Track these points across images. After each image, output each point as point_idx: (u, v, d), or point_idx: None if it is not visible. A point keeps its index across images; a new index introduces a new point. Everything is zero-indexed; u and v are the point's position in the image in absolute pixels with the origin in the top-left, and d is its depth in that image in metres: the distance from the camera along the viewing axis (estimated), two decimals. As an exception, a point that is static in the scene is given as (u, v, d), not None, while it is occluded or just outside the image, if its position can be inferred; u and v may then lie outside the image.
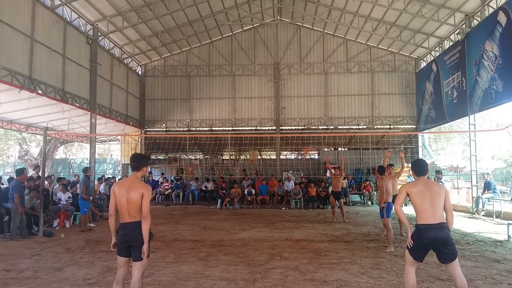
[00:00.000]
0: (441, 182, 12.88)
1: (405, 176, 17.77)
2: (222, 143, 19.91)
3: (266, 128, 20.18)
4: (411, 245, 4.07)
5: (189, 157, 21.14)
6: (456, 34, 15.08)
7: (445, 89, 16.00)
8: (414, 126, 19.41)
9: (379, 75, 19.74)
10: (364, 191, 17.33)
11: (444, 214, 4.14)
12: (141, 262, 4.01)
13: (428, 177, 4.37)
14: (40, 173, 11.14)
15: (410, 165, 18.83)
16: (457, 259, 4.04)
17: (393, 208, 8.05)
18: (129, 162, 4.52)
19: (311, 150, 20.67)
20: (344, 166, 12.74)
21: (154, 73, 20.50)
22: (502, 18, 11.54)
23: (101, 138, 22.92)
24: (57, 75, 12.65)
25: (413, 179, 4.49)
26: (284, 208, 15.99)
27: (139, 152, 20.22)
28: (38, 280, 5.39)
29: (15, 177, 9.31)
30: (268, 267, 6.04)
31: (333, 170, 13.25)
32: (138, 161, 4.26)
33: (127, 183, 4.18)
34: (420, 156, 19.33)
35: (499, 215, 11.92)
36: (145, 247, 3.96)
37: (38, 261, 6.57)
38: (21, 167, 11.32)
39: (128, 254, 4.14)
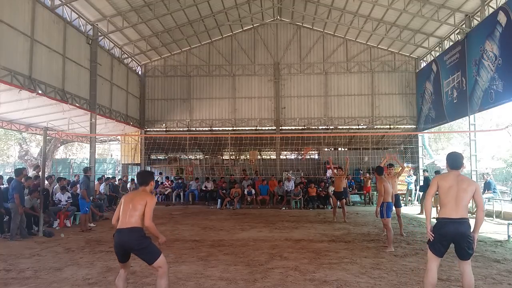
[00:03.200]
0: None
1: (405, 175, 17.78)
2: (222, 143, 19.92)
3: (266, 128, 20.18)
4: (432, 239, 4.10)
5: (189, 157, 21.14)
6: (456, 34, 15.07)
7: (445, 89, 16.00)
8: (414, 126, 19.41)
9: (379, 75, 19.74)
10: (365, 192, 17.34)
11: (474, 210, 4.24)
12: (157, 263, 4.05)
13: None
14: (40, 173, 11.15)
15: (409, 164, 18.83)
16: (470, 258, 4.10)
17: (393, 208, 8.08)
18: (135, 178, 4.63)
19: (311, 150, 20.67)
20: (347, 166, 12.72)
21: (154, 73, 20.50)
22: (502, 18, 11.53)
23: (101, 138, 22.93)
24: (57, 75, 12.64)
25: (445, 172, 4.49)
26: (284, 208, 15.99)
27: (139, 152, 20.25)
28: (38, 280, 5.39)
29: (14, 177, 9.31)
30: (268, 267, 6.04)
31: (335, 170, 13.27)
32: (145, 177, 4.44)
33: (134, 193, 4.33)
34: (420, 156, 19.34)
35: (499, 215, 11.93)
36: (161, 240, 4.24)
37: (38, 261, 6.57)
38: (20, 167, 11.30)
39: (125, 259, 4.18)
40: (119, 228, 4.09)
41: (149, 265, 4.14)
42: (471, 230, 4.06)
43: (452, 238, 4.03)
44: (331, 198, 16.26)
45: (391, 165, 9.41)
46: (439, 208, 4.22)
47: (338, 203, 12.31)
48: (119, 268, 4.29)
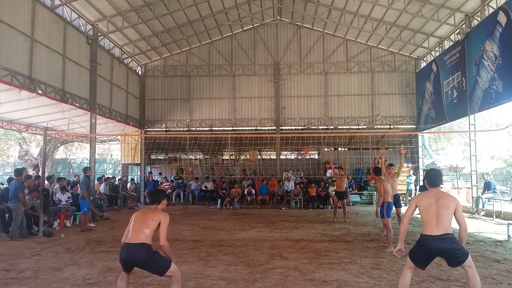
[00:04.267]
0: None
1: (405, 175, 17.79)
2: (222, 143, 19.91)
3: (266, 128, 20.17)
4: (415, 253, 4.14)
5: (189, 157, 21.14)
6: (456, 34, 15.07)
7: (445, 89, 16.00)
8: (414, 126, 19.41)
9: (379, 75, 19.74)
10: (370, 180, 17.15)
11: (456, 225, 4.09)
12: (169, 272, 4.08)
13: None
14: (40, 173, 11.15)
15: (409, 164, 18.78)
16: (469, 258, 3.99)
17: (393, 208, 8.06)
18: (147, 196, 4.68)
19: (311, 150, 20.66)
20: (346, 166, 12.73)
21: (154, 73, 20.49)
22: (502, 18, 11.54)
23: (101, 138, 22.92)
24: (57, 75, 12.64)
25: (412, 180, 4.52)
26: (284, 208, 16.00)
27: (139, 152, 20.25)
28: (38, 280, 5.39)
29: (14, 177, 9.30)
30: (268, 267, 6.04)
31: (336, 170, 13.27)
32: (156, 196, 4.46)
33: (147, 210, 4.29)
34: (420, 156, 19.33)
35: (499, 215, 11.93)
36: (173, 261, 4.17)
37: (38, 261, 6.57)
38: (20, 167, 11.30)
39: (130, 270, 4.18)
40: (128, 243, 4.01)
41: (160, 276, 4.14)
42: (456, 242, 3.97)
43: (437, 254, 4.02)
44: (331, 198, 16.31)
45: (391, 165, 9.40)
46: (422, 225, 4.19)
47: (339, 203, 12.32)
48: (122, 270, 4.27)
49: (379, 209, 7.56)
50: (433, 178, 4.23)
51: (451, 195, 4.36)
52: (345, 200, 12.57)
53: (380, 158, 10.06)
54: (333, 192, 16.11)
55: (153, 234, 4.06)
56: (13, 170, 14.58)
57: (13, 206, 8.77)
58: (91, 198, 11.70)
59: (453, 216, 4.03)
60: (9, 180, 10.42)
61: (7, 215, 9.45)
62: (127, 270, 4.16)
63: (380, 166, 8.46)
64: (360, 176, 19.31)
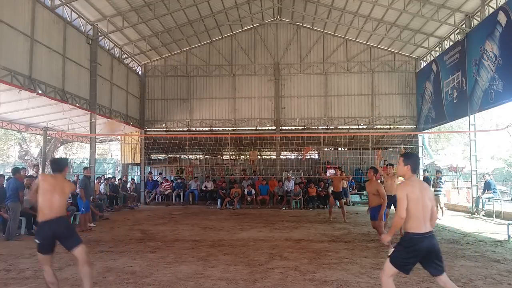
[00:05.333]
0: (441, 182, 12.91)
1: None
2: (222, 143, 19.91)
3: (266, 128, 20.17)
4: (400, 257, 3.69)
5: (189, 157, 21.14)
6: (456, 34, 15.08)
7: (445, 89, 16.00)
8: (414, 126, 19.41)
9: (379, 75, 19.74)
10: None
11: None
12: (80, 245, 4.25)
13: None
14: (39, 173, 11.15)
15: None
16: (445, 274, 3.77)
17: (389, 210, 7.95)
18: (51, 164, 4.78)
19: (311, 150, 20.67)
20: (341, 169, 12.73)
21: (154, 73, 20.49)
22: (502, 18, 11.54)
23: (101, 138, 22.92)
24: (57, 75, 12.64)
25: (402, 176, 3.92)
26: (284, 208, 16.00)
27: (139, 152, 20.25)
28: (38, 280, 5.40)
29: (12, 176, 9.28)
30: (268, 267, 6.04)
31: (332, 171, 13.28)
32: (60, 164, 4.63)
33: (54, 181, 4.41)
34: (420, 156, 19.32)
35: (499, 215, 11.93)
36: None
37: (38, 261, 6.56)
38: (17, 166, 11.26)
39: (51, 251, 4.37)
40: (47, 220, 4.24)
41: (72, 249, 4.32)
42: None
43: (425, 254, 3.62)
44: (347, 198, 16.32)
45: (390, 165, 9.38)
46: (406, 221, 3.69)
47: (338, 203, 12.33)
48: (44, 266, 4.39)
49: (383, 212, 7.44)
50: (419, 161, 3.81)
51: (428, 186, 3.91)
52: (342, 200, 12.55)
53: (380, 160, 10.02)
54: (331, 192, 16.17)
55: (65, 204, 4.32)
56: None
57: (12, 205, 8.71)
58: (91, 198, 11.68)
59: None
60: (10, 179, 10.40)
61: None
62: (48, 250, 4.33)
63: (377, 168, 8.38)
64: (360, 176, 19.30)
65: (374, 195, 7.61)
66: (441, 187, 12.76)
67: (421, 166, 18.90)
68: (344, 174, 17.81)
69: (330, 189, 16.62)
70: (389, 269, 3.74)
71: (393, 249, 7.29)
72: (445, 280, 3.75)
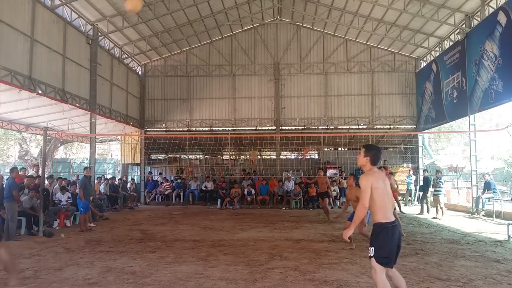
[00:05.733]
0: (441, 182, 12.92)
1: (405, 175, 17.80)
2: (222, 143, 19.91)
3: (266, 128, 20.17)
4: (384, 251, 3.57)
5: (189, 157, 21.14)
6: (456, 34, 15.07)
7: (445, 89, 16.00)
8: (414, 126, 19.40)
9: (379, 75, 19.73)
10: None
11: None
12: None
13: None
14: (39, 172, 11.15)
15: (409, 165, 18.56)
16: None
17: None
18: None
19: (311, 150, 20.67)
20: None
21: (154, 73, 20.49)
22: (502, 18, 11.54)
23: (101, 138, 22.93)
24: (57, 75, 12.64)
25: (369, 170, 3.77)
26: (284, 208, 16.00)
27: (139, 152, 20.26)
28: (38, 280, 5.39)
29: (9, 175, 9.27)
30: (268, 267, 6.04)
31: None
32: None
33: None
34: (420, 156, 19.34)
35: (499, 215, 11.93)
36: None
37: (38, 261, 6.57)
38: (14, 166, 11.26)
39: None
40: None
41: None
42: None
43: (398, 244, 3.62)
44: (331, 198, 16.29)
45: (383, 167, 9.42)
46: (374, 212, 3.62)
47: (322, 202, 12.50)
48: None
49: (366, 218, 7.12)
50: (380, 154, 3.73)
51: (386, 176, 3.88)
52: (327, 199, 12.83)
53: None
54: (334, 193, 16.18)
55: None
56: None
57: (7, 205, 8.67)
58: (91, 198, 11.68)
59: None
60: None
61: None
62: None
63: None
64: (360, 176, 19.28)
65: (356, 202, 7.25)
66: (441, 187, 12.75)
67: (421, 166, 18.92)
68: (343, 174, 17.85)
69: (330, 189, 16.64)
70: (378, 268, 3.64)
71: (355, 245, 7.25)
72: (395, 271, 3.79)
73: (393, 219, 3.55)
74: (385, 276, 3.65)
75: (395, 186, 15.01)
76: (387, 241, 3.49)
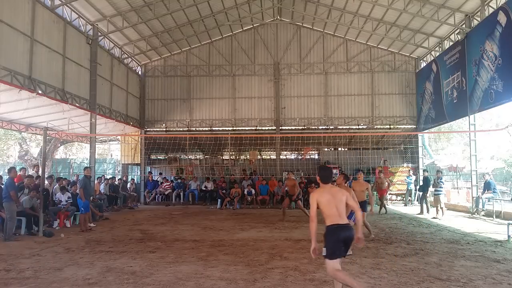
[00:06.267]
0: (441, 182, 12.93)
1: (405, 175, 17.80)
2: (222, 143, 19.91)
3: (266, 128, 20.17)
4: (331, 248, 4.25)
5: (189, 157, 21.14)
6: (456, 34, 15.07)
7: (445, 89, 16.00)
8: (414, 126, 19.40)
9: (379, 75, 19.74)
10: (380, 195, 15.01)
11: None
12: None
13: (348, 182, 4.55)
14: (39, 172, 11.14)
15: (409, 165, 18.42)
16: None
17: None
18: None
19: (311, 150, 20.66)
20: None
21: (154, 73, 20.49)
22: (502, 18, 11.54)
23: (101, 138, 22.92)
24: (57, 75, 12.64)
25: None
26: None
27: (139, 152, 20.26)
28: (38, 280, 5.39)
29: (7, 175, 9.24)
30: (268, 267, 6.04)
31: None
32: None
33: None
34: (420, 156, 19.34)
35: (499, 215, 11.93)
36: None
37: (38, 261, 6.57)
38: (12, 166, 11.24)
39: None
40: None
41: None
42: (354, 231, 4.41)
43: (343, 241, 4.30)
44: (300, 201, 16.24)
45: (358, 170, 9.55)
46: (324, 219, 4.38)
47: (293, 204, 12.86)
48: None
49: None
50: (325, 176, 4.53)
51: (340, 189, 4.87)
52: (299, 201, 13.03)
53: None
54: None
55: None
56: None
57: (6, 205, 8.65)
58: (91, 198, 11.68)
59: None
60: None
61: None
62: None
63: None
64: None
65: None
66: (442, 187, 12.77)
67: (421, 166, 18.92)
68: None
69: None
70: (331, 264, 4.27)
71: (373, 236, 7.37)
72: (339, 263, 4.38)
73: (339, 222, 4.29)
74: (340, 270, 4.30)
75: (385, 183, 15.06)
76: (330, 239, 4.30)
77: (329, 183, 4.56)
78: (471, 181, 14.19)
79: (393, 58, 19.72)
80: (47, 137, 12.78)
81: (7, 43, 10.15)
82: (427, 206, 13.77)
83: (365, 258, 6.68)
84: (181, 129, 20.31)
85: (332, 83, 19.87)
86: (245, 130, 19.84)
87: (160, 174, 19.96)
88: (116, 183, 16.71)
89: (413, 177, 17.56)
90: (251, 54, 20.18)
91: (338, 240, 4.28)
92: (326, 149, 20.80)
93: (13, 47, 10.42)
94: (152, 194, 18.46)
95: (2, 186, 9.93)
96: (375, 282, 5.25)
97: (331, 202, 4.37)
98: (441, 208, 12.41)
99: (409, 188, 17.35)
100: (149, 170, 20.51)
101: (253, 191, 16.81)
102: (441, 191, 12.65)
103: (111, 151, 32.45)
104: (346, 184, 7.58)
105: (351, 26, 18.01)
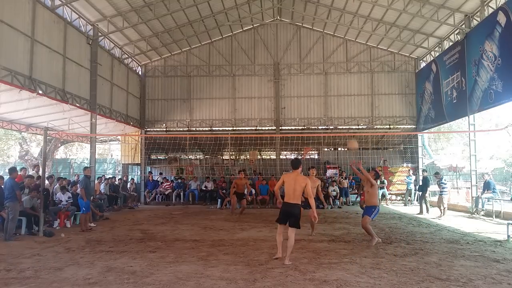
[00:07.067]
0: (443, 182, 12.94)
1: (405, 175, 17.82)
2: (222, 143, 19.92)
3: (266, 128, 20.18)
4: (279, 215, 6.52)
5: (189, 157, 21.15)
6: (456, 34, 15.09)
7: (444, 89, 16.02)
8: (413, 126, 19.41)
9: (379, 75, 19.75)
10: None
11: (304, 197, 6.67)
12: None
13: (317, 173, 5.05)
14: (40, 172, 11.16)
15: (409, 164, 18.47)
16: (294, 229, 6.33)
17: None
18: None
19: (311, 150, 20.67)
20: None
21: (154, 73, 20.50)
22: (501, 18, 11.56)
23: (101, 138, 22.93)
24: (57, 75, 12.65)
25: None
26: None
27: (139, 152, 20.26)
28: (39, 280, 5.40)
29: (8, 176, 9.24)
30: (268, 267, 6.05)
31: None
32: None
33: None
34: (420, 156, 19.39)
35: (498, 215, 11.95)
36: None
37: (39, 261, 6.58)
38: (13, 166, 11.24)
39: None
40: None
41: None
42: (299, 210, 6.41)
43: (287, 214, 6.33)
44: (330, 198, 16.31)
45: (313, 167, 9.63)
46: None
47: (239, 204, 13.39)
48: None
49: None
50: (293, 163, 6.63)
51: (304, 176, 6.50)
52: (245, 200, 13.59)
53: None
54: (334, 193, 16.20)
55: None
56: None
57: (10, 205, 8.66)
58: (91, 198, 11.69)
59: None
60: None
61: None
62: None
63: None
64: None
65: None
66: (445, 188, 12.81)
67: (420, 166, 18.94)
68: (343, 174, 17.88)
69: (330, 189, 16.68)
70: (278, 227, 6.63)
71: (376, 238, 7.82)
72: (290, 232, 6.32)
73: (290, 201, 6.31)
74: (280, 230, 6.58)
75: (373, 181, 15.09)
76: (281, 210, 6.48)
77: (297, 170, 6.45)
78: (471, 181, 14.21)
79: (393, 58, 19.73)
80: (48, 137, 12.79)
81: (7, 43, 10.16)
82: (426, 206, 13.79)
83: (365, 258, 6.70)
84: (181, 129, 20.32)
85: (332, 83, 19.88)
86: (245, 130, 19.86)
87: (160, 174, 19.97)
88: (116, 183, 16.73)
89: (413, 177, 17.58)
90: (251, 54, 20.20)
91: (282, 212, 6.40)
92: (326, 149, 20.81)
93: (13, 47, 10.43)
94: (152, 194, 18.47)
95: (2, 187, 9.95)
96: (375, 281, 5.26)
97: (291, 185, 6.29)
98: (444, 208, 12.46)
99: (409, 188, 17.36)
100: (149, 170, 20.52)
101: (253, 191, 16.81)
102: (445, 191, 12.71)
103: (111, 151, 32.49)
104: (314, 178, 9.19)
105: (351, 26, 18.02)
